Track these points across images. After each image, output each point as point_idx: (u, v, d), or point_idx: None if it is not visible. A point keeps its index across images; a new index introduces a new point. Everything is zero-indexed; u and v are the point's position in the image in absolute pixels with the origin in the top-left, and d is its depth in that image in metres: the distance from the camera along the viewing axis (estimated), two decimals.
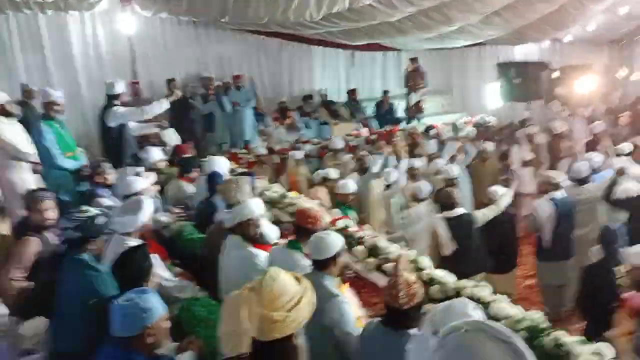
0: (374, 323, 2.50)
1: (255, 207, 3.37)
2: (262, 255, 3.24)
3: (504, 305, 2.98)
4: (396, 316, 2.33)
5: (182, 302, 3.20)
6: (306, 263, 3.02)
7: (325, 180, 6.82)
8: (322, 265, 2.81)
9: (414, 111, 11.60)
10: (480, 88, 12.71)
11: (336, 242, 2.84)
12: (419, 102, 11.43)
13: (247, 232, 3.31)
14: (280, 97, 10.86)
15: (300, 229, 3.16)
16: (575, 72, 12.20)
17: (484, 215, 5.08)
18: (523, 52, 13.20)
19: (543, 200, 5.44)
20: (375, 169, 7.15)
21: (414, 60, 11.67)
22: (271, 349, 1.70)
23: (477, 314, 1.83)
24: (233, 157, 9.01)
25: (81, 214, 2.85)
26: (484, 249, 5.07)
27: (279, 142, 10.24)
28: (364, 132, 10.71)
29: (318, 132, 10.85)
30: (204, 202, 4.75)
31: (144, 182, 4.52)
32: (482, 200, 6.18)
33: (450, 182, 6.28)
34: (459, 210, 5.03)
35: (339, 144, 8.36)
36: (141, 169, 5.28)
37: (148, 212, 3.47)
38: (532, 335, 2.71)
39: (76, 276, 2.76)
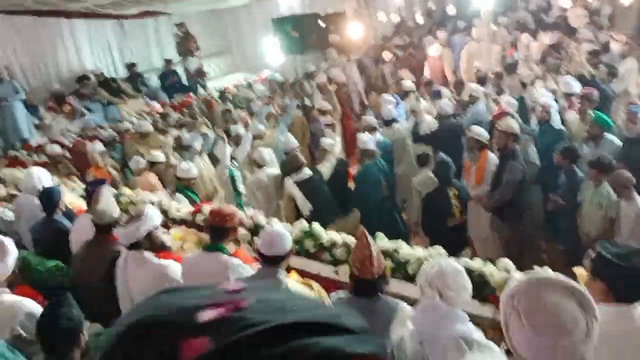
0: (342, 296, 2.56)
1: (155, 213, 3.10)
2: (174, 266, 3.04)
3: (408, 249, 3.41)
4: (367, 286, 2.45)
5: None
6: (244, 265, 2.95)
7: (152, 165, 6.46)
8: (277, 261, 2.78)
9: (196, 76, 11.39)
10: (257, 45, 12.99)
11: (289, 237, 2.85)
12: (199, 67, 11.24)
13: (153, 243, 3.05)
14: (51, 84, 9.58)
15: (216, 229, 3.01)
16: (336, 20, 13.32)
17: (327, 168, 5.47)
18: (287, 5, 13.79)
19: (367, 139, 6.04)
20: (197, 147, 6.98)
21: (180, 25, 11.35)
22: None
23: (462, 268, 2.14)
24: (14, 162, 7.81)
25: None
26: (333, 199, 5.51)
27: (62, 133, 9.17)
28: (157, 106, 10.20)
29: (105, 114, 9.96)
30: (43, 224, 4.12)
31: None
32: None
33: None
34: (307, 172, 5.34)
35: (147, 126, 7.80)
36: None
37: (14, 254, 2.91)
38: None
39: None
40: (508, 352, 1.63)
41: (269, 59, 11.75)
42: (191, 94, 10.81)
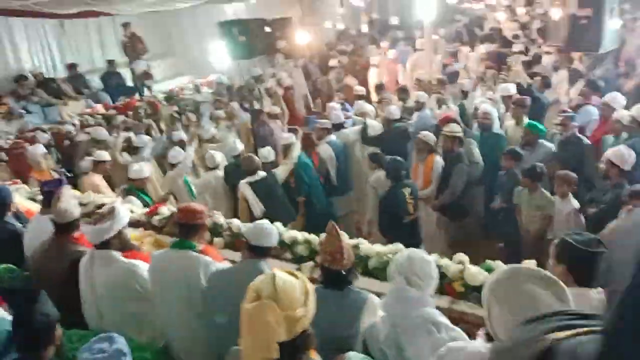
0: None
1: (125, 212, 3.09)
2: (142, 264, 3.05)
3: (368, 245, 3.59)
4: (337, 277, 2.55)
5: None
6: (215, 262, 3.00)
7: (96, 165, 6.31)
8: (263, 253, 2.89)
9: (143, 78, 11.20)
10: (202, 48, 12.91)
11: (276, 233, 2.96)
12: (146, 68, 11.06)
13: (122, 242, 3.05)
14: None
15: (186, 226, 3.04)
16: (282, 25, 13.48)
17: (283, 171, 5.58)
18: (233, 9, 13.83)
19: (323, 144, 6.24)
20: (147, 151, 6.91)
21: (126, 25, 11.13)
22: (293, 344, 1.85)
23: (431, 258, 2.32)
24: None
25: None
26: (288, 200, 5.63)
27: None
28: (99, 108, 9.96)
29: (44, 116, 9.61)
30: None
31: None
32: None
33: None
34: (261, 173, 5.43)
35: (103, 134, 7.54)
36: None
37: None
38: None
39: None
40: (489, 337, 1.81)
41: (215, 63, 11.73)
42: (136, 96, 10.61)
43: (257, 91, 10.22)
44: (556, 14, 7.71)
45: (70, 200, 3.33)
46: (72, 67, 10.60)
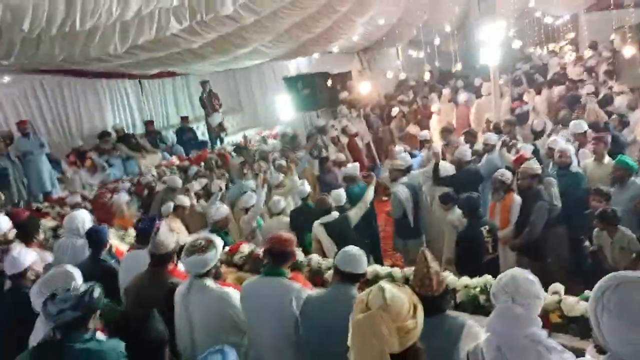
0: None
1: (220, 243, 3.25)
2: (234, 292, 3.16)
3: (454, 278, 3.54)
4: (429, 303, 2.55)
5: None
6: (305, 289, 3.06)
7: (176, 209, 6.61)
8: (354, 279, 2.94)
9: (218, 131, 11.75)
10: (268, 102, 13.49)
11: (365, 260, 3.04)
12: (221, 122, 11.62)
13: (217, 273, 3.19)
14: (73, 140, 9.95)
15: (277, 253, 3.13)
16: (343, 79, 13.94)
17: (356, 214, 5.63)
18: (296, 65, 14.45)
19: (399, 185, 6.27)
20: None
21: (204, 83, 11.81)
22: (405, 357, 1.84)
23: (535, 279, 2.27)
24: (37, 214, 7.92)
25: (72, 291, 2.38)
26: (360, 242, 5.63)
27: (82, 186, 9.40)
28: (174, 160, 10.47)
29: (124, 168, 10.21)
30: (89, 263, 4.22)
31: (29, 254, 3.76)
32: None
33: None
34: (335, 215, 5.49)
35: (178, 182, 7.93)
36: None
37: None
38: None
39: None
40: (600, 350, 1.73)
41: (280, 115, 12.21)
42: (207, 148, 11.12)
43: (321, 140, 10.48)
44: (629, 51, 7.57)
45: (167, 233, 3.50)
46: (149, 123, 11.30)
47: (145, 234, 3.91)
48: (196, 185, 7.91)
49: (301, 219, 5.88)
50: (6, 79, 9.09)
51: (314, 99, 11.33)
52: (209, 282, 3.12)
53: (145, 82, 11.62)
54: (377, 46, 15.85)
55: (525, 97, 10.05)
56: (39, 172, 8.59)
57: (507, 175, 5.49)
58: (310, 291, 3.13)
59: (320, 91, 11.49)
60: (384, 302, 1.84)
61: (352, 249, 3.08)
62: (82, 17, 5.48)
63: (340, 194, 6.01)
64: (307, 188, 6.56)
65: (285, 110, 12.03)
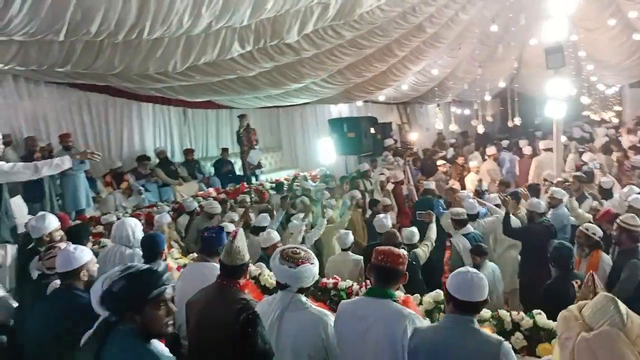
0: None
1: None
2: (330, 314, 2.66)
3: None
4: None
5: None
6: (419, 317, 2.57)
7: None
8: (473, 308, 2.44)
9: (254, 168, 11.44)
10: (307, 144, 13.26)
11: (487, 283, 2.51)
12: (260, 158, 11.34)
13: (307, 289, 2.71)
14: (111, 160, 9.69)
15: (386, 270, 2.64)
16: (385, 128, 13.71)
17: (423, 252, 5.18)
18: (337, 110, 14.29)
19: (459, 235, 5.78)
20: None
21: (242, 117, 11.62)
22: None
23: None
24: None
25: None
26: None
27: (116, 208, 9.06)
28: (211, 191, 10.12)
29: (159, 195, 9.87)
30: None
31: (85, 252, 3.30)
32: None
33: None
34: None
35: (217, 207, 7.75)
36: None
37: None
38: None
39: None
40: None
41: (320, 158, 11.90)
42: (244, 182, 10.78)
43: (363, 184, 10.10)
44: None
45: (244, 242, 3.03)
46: (189, 152, 11.05)
47: (211, 244, 3.46)
48: (234, 216, 7.51)
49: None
50: (54, 91, 8.97)
51: (358, 143, 11.02)
52: (306, 299, 2.64)
53: (189, 111, 11.46)
54: (420, 100, 15.70)
55: (584, 157, 9.63)
56: (76, 189, 8.26)
57: (596, 229, 4.97)
58: (424, 320, 2.62)
59: (365, 136, 11.19)
60: (620, 318, 1.47)
61: (469, 271, 2.57)
62: (153, 24, 5.28)
63: (413, 232, 5.59)
64: (351, 238, 6.12)
65: (326, 153, 11.75)
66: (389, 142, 12.16)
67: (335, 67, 9.03)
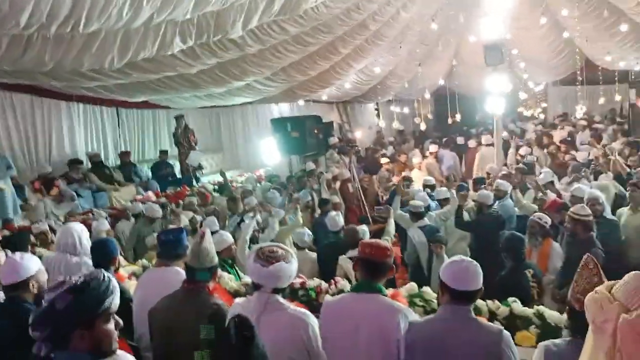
0: (558, 342, 2.23)
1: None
2: (312, 315, 2.50)
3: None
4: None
5: None
6: (410, 310, 2.46)
7: None
8: (470, 298, 2.35)
9: (194, 170, 11.04)
10: (249, 144, 12.97)
11: (481, 272, 2.44)
12: (200, 160, 10.96)
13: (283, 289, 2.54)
14: (40, 165, 9.02)
15: (373, 264, 2.52)
16: (328, 127, 13.66)
17: None
18: (278, 110, 14.10)
19: (415, 228, 5.79)
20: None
21: (180, 118, 11.21)
22: None
23: None
24: None
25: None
26: None
27: (47, 216, 8.42)
28: (150, 195, 9.64)
29: (94, 200, 9.27)
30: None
31: (33, 261, 2.93)
32: None
33: None
34: None
35: (157, 211, 7.41)
36: None
37: None
38: None
39: None
40: None
41: (264, 158, 11.69)
42: (185, 185, 10.37)
43: (310, 184, 10.01)
44: None
45: (211, 242, 2.82)
46: (125, 154, 10.48)
47: (172, 247, 3.21)
48: (184, 219, 7.18)
49: (330, 252, 5.32)
50: None
51: (303, 143, 10.88)
52: (283, 300, 2.47)
53: (123, 111, 10.87)
54: (361, 99, 15.79)
55: (521, 151, 10.01)
56: (2, 197, 7.59)
57: (547, 219, 5.11)
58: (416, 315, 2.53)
59: (309, 135, 11.08)
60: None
61: (463, 260, 2.51)
62: (89, 16, 4.89)
63: (364, 229, 5.52)
64: (307, 236, 6.09)
65: (269, 153, 11.55)
66: (333, 140, 12.14)
67: (280, 64, 8.86)
